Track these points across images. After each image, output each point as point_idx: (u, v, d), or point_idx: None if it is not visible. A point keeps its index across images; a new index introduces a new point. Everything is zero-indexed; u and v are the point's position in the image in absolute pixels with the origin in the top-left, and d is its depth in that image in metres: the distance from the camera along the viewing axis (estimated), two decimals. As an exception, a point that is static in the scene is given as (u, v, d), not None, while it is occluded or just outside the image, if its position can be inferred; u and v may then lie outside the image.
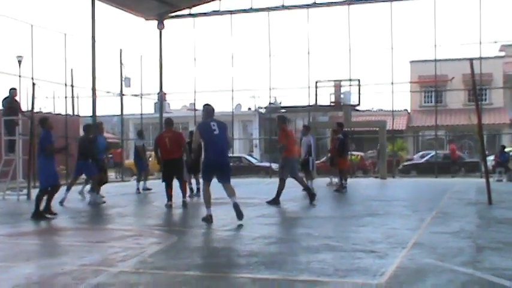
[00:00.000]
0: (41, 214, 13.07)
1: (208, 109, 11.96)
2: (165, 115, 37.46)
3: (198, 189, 18.89)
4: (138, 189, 21.41)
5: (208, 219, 11.53)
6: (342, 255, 7.95)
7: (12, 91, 19.81)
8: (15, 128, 19.13)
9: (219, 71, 72.48)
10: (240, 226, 11.17)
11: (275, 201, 15.52)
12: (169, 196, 15.40)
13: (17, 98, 19.84)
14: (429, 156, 38.15)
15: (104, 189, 17.75)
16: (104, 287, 6.32)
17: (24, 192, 18.76)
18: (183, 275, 6.85)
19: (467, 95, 46.20)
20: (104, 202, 16.70)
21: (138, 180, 21.99)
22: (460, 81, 44.68)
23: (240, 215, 11.47)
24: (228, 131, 12.29)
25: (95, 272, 7.01)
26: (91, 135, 17.06)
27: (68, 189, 16.77)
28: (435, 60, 34.52)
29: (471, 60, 16.23)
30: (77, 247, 9.11)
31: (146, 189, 21.74)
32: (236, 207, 11.51)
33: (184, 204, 15.14)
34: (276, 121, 17.69)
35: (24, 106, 21.21)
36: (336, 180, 21.91)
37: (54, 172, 13.49)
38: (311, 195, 15.81)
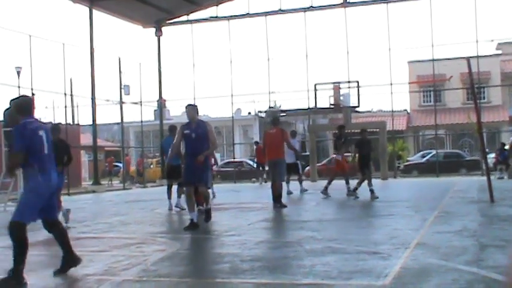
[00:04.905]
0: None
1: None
2: (165, 122, 37.54)
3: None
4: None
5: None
6: (346, 258, 7.95)
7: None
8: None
9: (218, 76, 72.65)
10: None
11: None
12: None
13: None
14: (430, 155, 38.14)
15: (108, 196, 17.63)
16: (108, 296, 6.30)
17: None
18: (186, 282, 6.84)
19: (465, 93, 46.24)
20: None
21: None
22: (458, 80, 44.78)
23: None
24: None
25: (98, 281, 7.00)
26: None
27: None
28: (433, 60, 34.61)
29: (468, 58, 16.28)
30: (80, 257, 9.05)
31: None
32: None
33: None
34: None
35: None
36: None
37: None
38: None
